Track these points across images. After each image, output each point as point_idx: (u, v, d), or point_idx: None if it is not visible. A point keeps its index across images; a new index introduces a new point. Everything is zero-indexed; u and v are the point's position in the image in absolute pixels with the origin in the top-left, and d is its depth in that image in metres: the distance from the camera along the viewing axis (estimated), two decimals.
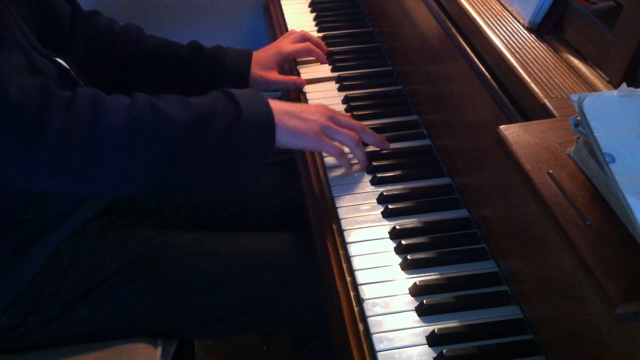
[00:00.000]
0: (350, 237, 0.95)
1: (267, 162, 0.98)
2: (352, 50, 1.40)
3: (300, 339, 1.16)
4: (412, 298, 0.86)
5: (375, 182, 1.04)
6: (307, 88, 1.29)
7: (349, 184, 1.05)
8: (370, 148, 1.10)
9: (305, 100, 1.26)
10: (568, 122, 0.67)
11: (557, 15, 0.90)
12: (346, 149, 1.06)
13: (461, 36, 0.99)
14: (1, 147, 0.84)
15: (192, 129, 0.91)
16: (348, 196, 1.02)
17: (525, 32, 0.92)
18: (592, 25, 0.84)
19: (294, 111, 1.00)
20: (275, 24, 1.56)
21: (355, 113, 1.20)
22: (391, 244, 0.94)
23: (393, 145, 1.11)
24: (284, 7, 1.58)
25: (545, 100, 0.78)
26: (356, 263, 0.91)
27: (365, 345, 0.82)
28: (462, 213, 0.99)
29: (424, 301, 0.84)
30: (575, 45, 0.87)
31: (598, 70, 0.82)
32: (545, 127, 0.73)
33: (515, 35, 0.91)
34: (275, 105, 0.99)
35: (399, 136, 1.14)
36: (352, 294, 0.88)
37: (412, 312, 0.84)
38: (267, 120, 0.96)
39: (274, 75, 1.26)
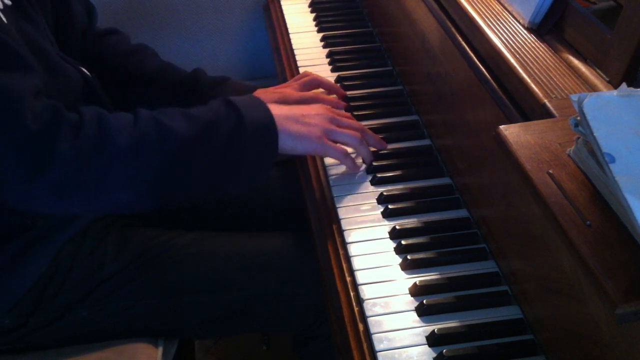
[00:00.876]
0: (350, 237, 0.95)
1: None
2: (352, 50, 1.40)
3: (300, 339, 1.16)
4: (412, 298, 0.86)
5: (375, 182, 1.04)
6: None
7: (349, 184, 1.05)
8: (371, 149, 1.10)
9: None
10: (568, 122, 0.67)
11: (557, 15, 0.90)
12: (349, 149, 1.06)
13: (461, 36, 0.99)
14: (14, 172, 0.85)
15: (196, 141, 0.91)
16: (348, 196, 1.02)
17: (525, 32, 0.92)
18: (592, 25, 0.84)
19: (295, 115, 1.00)
20: (275, 24, 1.56)
21: (355, 113, 1.20)
22: (391, 244, 0.94)
23: (393, 145, 1.11)
24: (284, 7, 1.58)
25: (545, 100, 0.78)
26: (356, 263, 0.91)
27: (365, 345, 0.82)
28: (462, 213, 0.99)
29: (424, 301, 0.84)
30: (575, 45, 0.87)
31: (598, 70, 0.82)
32: (545, 127, 0.73)
33: (515, 35, 0.91)
34: (276, 110, 0.99)
35: (399, 136, 1.14)
36: (352, 294, 0.88)
37: (412, 312, 0.84)
38: (269, 127, 0.96)
39: None
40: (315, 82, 1.23)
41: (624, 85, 0.68)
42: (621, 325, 0.59)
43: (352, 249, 0.93)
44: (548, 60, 0.86)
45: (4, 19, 0.89)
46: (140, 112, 0.93)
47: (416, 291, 0.87)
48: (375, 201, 1.01)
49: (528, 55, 0.87)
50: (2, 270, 0.99)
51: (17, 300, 1.01)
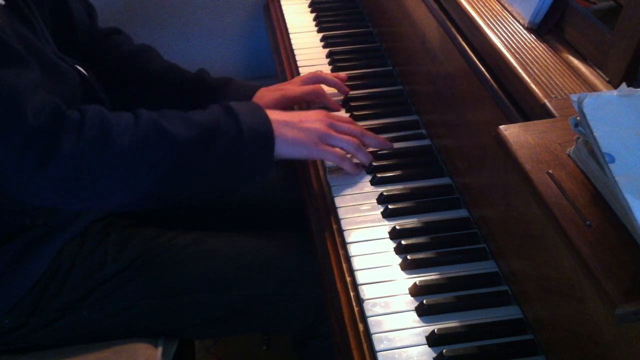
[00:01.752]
0: (350, 237, 0.95)
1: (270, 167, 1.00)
2: (352, 50, 1.40)
3: (300, 339, 1.16)
4: (412, 298, 0.86)
5: (375, 182, 1.04)
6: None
7: (349, 184, 1.05)
8: (371, 149, 1.10)
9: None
10: (568, 122, 0.67)
11: (557, 15, 0.90)
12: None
13: (461, 36, 0.99)
14: (14, 168, 0.86)
15: (194, 146, 0.93)
16: (348, 196, 1.02)
17: (525, 32, 0.92)
18: (592, 25, 0.84)
19: (293, 121, 1.01)
20: (275, 24, 1.56)
21: (355, 113, 1.20)
22: (391, 244, 0.94)
23: (393, 145, 1.11)
24: (284, 7, 1.58)
25: (545, 100, 0.78)
26: (356, 263, 0.91)
27: (365, 345, 0.82)
28: (462, 213, 0.99)
29: (424, 301, 0.84)
30: (575, 45, 0.87)
31: (598, 70, 0.82)
32: (545, 127, 0.73)
33: (515, 35, 0.91)
34: (274, 116, 1.00)
35: (399, 136, 1.14)
36: (352, 294, 0.88)
37: (412, 312, 0.84)
38: (267, 134, 0.98)
39: None
40: (319, 78, 1.24)
41: (624, 85, 0.68)
42: (621, 325, 0.59)
43: (352, 249, 0.93)
44: (548, 60, 0.86)
45: None
46: (141, 114, 0.94)
47: (416, 291, 0.87)
48: (375, 201, 1.01)
49: (528, 55, 0.87)
50: (3, 270, 0.99)
51: (17, 300, 1.01)
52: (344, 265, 0.92)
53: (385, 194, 1.01)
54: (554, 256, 0.71)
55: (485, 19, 0.95)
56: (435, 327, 0.82)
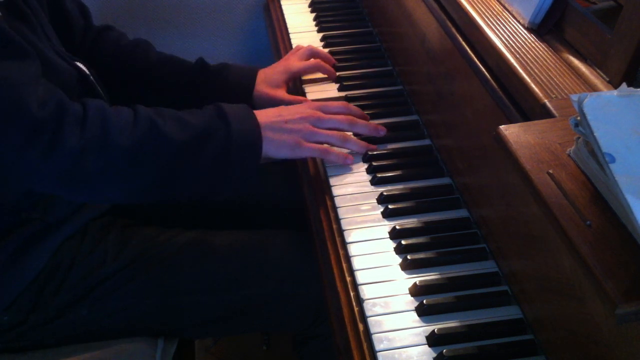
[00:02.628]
0: (350, 237, 0.95)
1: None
2: (352, 50, 1.40)
3: (300, 339, 1.16)
4: (412, 298, 0.86)
5: (375, 182, 1.04)
6: (308, 88, 1.29)
7: (349, 184, 1.05)
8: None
9: (305, 96, 1.26)
10: (568, 122, 0.67)
11: (557, 15, 0.90)
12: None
13: (461, 36, 0.99)
14: (20, 158, 0.88)
15: (187, 148, 0.97)
16: (348, 196, 1.02)
17: (525, 32, 0.92)
18: (592, 25, 0.84)
19: (278, 122, 1.04)
20: (275, 24, 1.56)
21: None
22: (391, 244, 0.94)
23: (393, 145, 1.11)
24: (284, 7, 1.58)
25: (545, 100, 0.78)
26: (356, 263, 0.91)
27: (365, 345, 0.82)
28: (462, 213, 0.99)
29: (424, 301, 0.84)
30: (575, 45, 0.87)
31: (598, 70, 0.82)
32: (545, 127, 0.73)
33: (515, 35, 0.91)
34: (262, 118, 1.03)
35: (399, 136, 1.14)
36: (352, 294, 0.88)
37: (412, 312, 0.84)
38: (255, 138, 1.01)
39: (281, 94, 1.23)
40: (312, 52, 1.30)
41: (624, 85, 0.68)
42: (621, 325, 0.59)
43: (352, 249, 0.93)
44: (548, 60, 0.86)
45: None
46: (139, 111, 0.97)
47: (416, 291, 0.87)
48: (375, 201, 1.01)
49: (528, 55, 0.87)
50: (2, 265, 0.99)
51: (16, 297, 1.02)
52: (344, 265, 0.92)
53: (385, 194, 1.01)
54: (554, 256, 0.71)
55: (485, 19, 0.95)
56: (435, 327, 0.82)
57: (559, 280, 0.70)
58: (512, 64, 0.85)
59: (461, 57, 0.97)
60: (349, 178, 1.06)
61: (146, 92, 1.25)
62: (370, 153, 1.09)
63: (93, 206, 1.10)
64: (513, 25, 0.94)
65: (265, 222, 1.22)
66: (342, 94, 1.26)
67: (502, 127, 0.72)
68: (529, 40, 0.90)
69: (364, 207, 1.00)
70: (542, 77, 0.82)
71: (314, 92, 1.28)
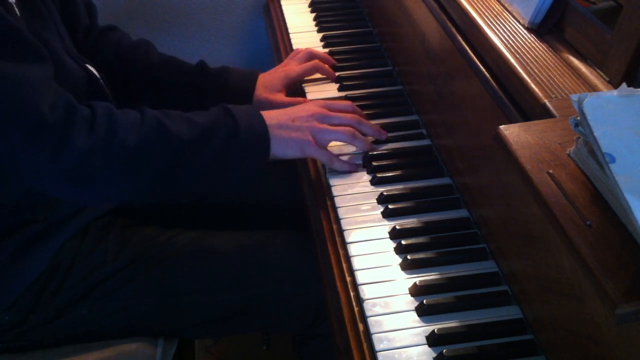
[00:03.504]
0: (350, 237, 0.95)
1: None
2: (352, 50, 1.40)
3: (300, 339, 1.16)
4: (412, 298, 0.86)
5: (375, 182, 1.04)
6: (308, 89, 1.29)
7: (349, 184, 1.05)
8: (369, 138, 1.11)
9: (304, 96, 1.26)
10: (568, 122, 0.67)
11: (557, 15, 0.90)
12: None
13: (461, 36, 0.99)
14: (29, 159, 0.89)
15: (194, 147, 0.97)
16: (348, 196, 1.02)
17: (525, 32, 0.92)
18: (592, 25, 0.84)
19: (286, 121, 1.04)
20: (275, 24, 1.56)
21: None
22: (391, 244, 0.94)
23: (393, 145, 1.12)
24: (284, 7, 1.58)
25: (545, 100, 0.78)
26: (356, 263, 0.91)
27: (365, 345, 0.82)
28: (462, 213, 0.99)
29: (424, 301, 0.84)
30: (575, 45, 0.87)
31: (598, 70, 0.82)
32: (545, 127, 0.73)
33: (515, 35, 0.91)
34: (269, 118, 1.03)
35: (399, 136, 1.14)
36: (352, 294, 0.88)
37: (412, 312, 0.84)
38: (262, 136, 1.01)
39: (280, 98, 1.24)
40: (311, 54, 1.31)
41: (624, 85, 0.68)
42: (621, 325, 0.59)
43: (352, 249, 0.93)
44: (548, 60, 0.86)
45: (17, 12, 0.91)
46: (146, 112, 0.98)
47: (416, 291, 0.87)
48: (375, 201, 1.01)
49: (528, 55, 0.87)
50: (3, 265, 1.00)
51: (17, 297, 1.02)
52: (344, 265, 0.92)
53: (385, 193, 1.01)
54: (554, 256, 0.71)
55: (485, 19, 0.95)
56: (435, 327, 0.82)
57: (559, 280, 0.70)
58: (512, 64, 0.85)
59: (461, 57, 0.97)
60: (349, 178, 1.06)
61: (146, 93, 1.25)
62: (370, 153, 1.09)
63: (95, 207, 1.10)
64: (513, 25, 0.94)
65: (265, 222, 1.22)
66: (342, 94, 1.26)
67: (502, 127, 0.72)
68: (529, 40, 0.90)
69: (364, 207, 1.00)
70: (542, 77, 0.82)
71: (313, 92, 1.28)
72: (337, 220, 0.99)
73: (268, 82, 1.24)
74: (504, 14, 0.97)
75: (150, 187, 0.98)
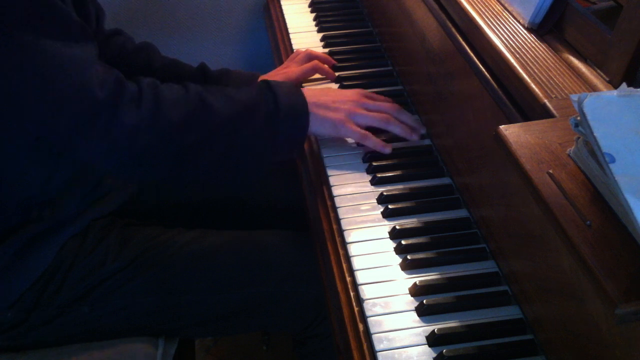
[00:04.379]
0: (350, 237, 0.95)
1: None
2: (352, 50, 1.40)
3: (300, 339, 1.16)
4: (412, 298, 0.86)
5: (375, 182, 1.04)
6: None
7: (349, 184, 1.05)
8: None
9: None
10: (568, 122, 0.67)
11: (557, 15, 0.90)
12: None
13: (461, 36, 0.99)
14: (79, 135, 0.92)
15: (235, 121, 1.00)
16: (348, 196, 1.02)
17: (525, 32, 0.92)
18: (592, 25, 0.84)
19: (326, 101, 1.08)
20: (275, 24, 1.56)
21: None
22: (391, 244, 0.94)
23: (393, 145, 1.11)
24: (284, 7, 1.58)
25: (545, 100, 0.78)
26: (356, 263, 0.91)
27: (365, 345, 0.82)
28: (462, 213, 0.99)
29: (424, 301, 0.84)
30: (575, 45, 0.87)
31: (598, 70, 0.82)
32: (545, 127, 0.73)
33: (515, 35, 0.91)
34: (310, 97, 1.07)
35: (399, 136, 1.14)
36: (352, 294, 0.88)
37: (412, 312, 0.84)
38: (302, 113, 1.05)
39: None
40: (310, 56, 1.32)
41: (624, 85, 0.68)
42: (621, 325, 0.59)
43: (352, 249, 0.93)
44: (548, 60, 0.86)
45: None
46: (190, 88, 1.01)
47: (416, 291, 0.87)
48: (375, 201, 1.01)
49: (528, 55, 0.87)
50: (7, 263, 1.00)
51: (19, 295, 1.02)
52: (344, 265, 0.92)
53: (385, 194, 1.01)
54: (554, 256, 0.71)
55: (485, 19, 0.95)
56: (435, 327, 0.82)
57: (559, 280, 0.70)
58: (512, 64, 0.85)
59: (461, 57, 0.97)
60: (349, 178, 1.06)
61: None
62: (370, 154, 1.09)
63: (99, 205, 1.10)
64: (513, 25, 0.94)
65: (265, 222, 1.22)
66: None
67: (502, 127, 0.72)
68: (529, 40, 0.90)
69: (364, 207, 1.00)
70: (542, 77, 0.82)
71: None
72: (337, 220, 0.99)
73: None
74: (504, 14, 0.97)
75: (194, 162, 1.00)
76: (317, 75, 1.31)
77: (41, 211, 1.02)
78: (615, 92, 0.66)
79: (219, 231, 1.14)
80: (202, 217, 1.21)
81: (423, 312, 0.84)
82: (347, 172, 1.07)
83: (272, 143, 1.04)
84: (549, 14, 0.91)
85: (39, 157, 1.01)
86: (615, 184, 0.58)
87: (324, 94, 1.09)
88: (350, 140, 1.12)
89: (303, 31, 1.49)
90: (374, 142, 1.08)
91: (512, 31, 0.92)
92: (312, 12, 1.56)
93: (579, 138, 0.67)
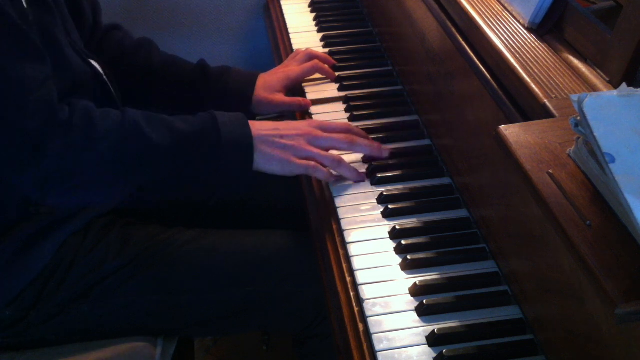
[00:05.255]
0: (350, 237, 0.95)
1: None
2: (352, 50, 1.40)
3: (300, 338, 1.16)
4: (412, 298, 0.86)
5: (375, 182, 1.04)
6: (308, 88, 1.29)
7: (349, 184, 1.05)
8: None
9: (304, 96, 1.26)
10: (568, 122, 0.67)
11: (557, 15, 0.90)
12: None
13: (461, 36, 0.99)
14: (6, 161, 0.90)
15: (173, 155, 0.97)
16: (348, 196, 1.02)
17: (525, 32, 0.92)
18: (592, 25, 0.84)
19: (273, 137, 1.03)
20: (275, 24, 1.56)
21: (355, 113, 1.20)
22: (391, 244, 0.94)
23: (393, 145, 1.11)
24: (284, 7, 1.58)
25: (545, 100, 0.78)
26: (356, 263, 0.91)
27: (365, 345, 0.82)
28: (462, 213, 0.99)
29: (424, 301, 0.84)
30: (575, 45, 0.87)
31: (598, 70, 0.82)
32: (545, 127, 0.73)
33: (515, 35, 0.91)
34: (257, 131, 1.02)
35: (399, 136, 1.14)
36: (352, 294, 0.88)
37: (412, 312, 0.84)
38: (246, 149, 1.01)
39: (279, 98, 1.23)
40: (310, 55, 1.31)
41: (624, 85, 0.68)
42: (621, 325, 0.59)
43: (352, 249, 0.93)
44: (548, 60, 0.86)
45: (24, 3, 0.92)
46: (127, 115, 0.97)
47: (416, 291, 0.87)
48: (375, 201, 1.01)
49: (528, 55, 0.87)
50: (6, 261, 1.00)
51: (19, 292, 1.02)
52: (344, 265, 0.92)
53: (385, 193, 1.01)
54: (554, 256, 0.71)
55: (485, 19, 0.95)
56: (435, 327, 0.82)
57: (559, 280, 0.70)
58: (512, 64, 0.85)
59: (461, 57, 0.97)
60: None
61: (148, 93, 1.26)
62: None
63: (100, 204, 1.10)
64: (513, 25, 0.94)
65: (265, 222, 1.22)
66: (342, 93, 1.26)
67: (502, 127, 0.72)
68: (529, 40, 0.90)
69: (364, 207, 1.00)
70: (542, 77, 0.82)
71: (313, 92, 1.28)
72: (337, 220, 0.99)
73: (268, 83, 1.25)
74: (504, 14, 0.97)
75: (129, 192, 0.98)
76: (317, 75, 1.31)
77: (38, 208, 1.02)
78: (615, 92, 0.66)
79: (219, 231, 1.14)
80: (202, 216, 1.21)
81: (423, 312, 0.84)
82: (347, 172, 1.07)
83: (213, 176, 1.00)
84: (549, 14, 0.91)
85: None
86: (615, 184, 0.58)
87: (273, 128, 1.04)
88: None
89: (303, 31, 1.49)
90: (324, 174, 1.04)
91: (512, 31, 0.92)
92: (312, 12, 1.56)
93: (579, 138, 0.67)
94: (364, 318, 0.85)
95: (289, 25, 1.51)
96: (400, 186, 1.04)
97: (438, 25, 1.05)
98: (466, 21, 0.98)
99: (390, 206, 0.99)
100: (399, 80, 1.30)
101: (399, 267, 0.90)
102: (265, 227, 1.17)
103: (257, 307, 1.11)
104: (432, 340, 0.80)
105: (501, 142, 0.71)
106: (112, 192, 0.98)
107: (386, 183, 1.04)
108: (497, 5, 0.98)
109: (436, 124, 1.12)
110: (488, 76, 0.90)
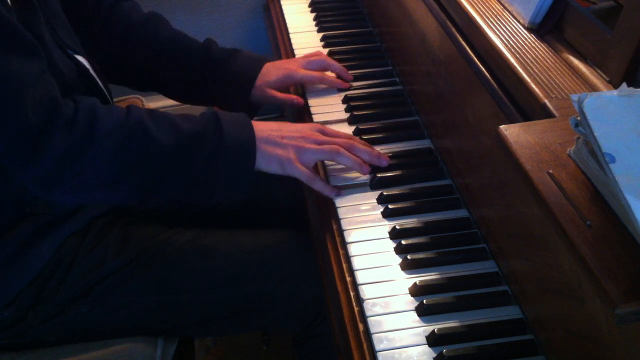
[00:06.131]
0: (350, 237, 0.95)
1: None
2: (352, 50, 1.40)
3: (300, 338, 1.16)
4: (412, 298, 0.86)
5: (375, 182, 1.04)
6: (307, 88, 1.29)
7: (349, 184, 1.05)
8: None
9: (304, 96, 1.26)
10: (568, 122, 0.67)
11: (557, 15, 0.90)
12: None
13: (461, 36, 0.99)
14: (8, 159, 0.90)
15: (177, 155, 0.97)
16: (348, 196, 1.02)
17: (525, 32, 0.92)
18: (592, 25, 0.84)
19: (275, 137, 1.03)
20: (275, 24, 1.56)
21: (355, 113, 1.20)
22: (391, 244, 0.94)
23: (393, 146, 1.11)
24: (284, 7, 1.58)
25: (545, 100, 0.78)
26: (356, 263, 0.91)
27: (365, 345, 0.82)
28: (462, 213, 0.99)
29: (424, 301, 0.84)
30: (575, 45, 0.87)
31: (598, 70, 0.82)
32: (545, 127, 0.73)
33: (515, 35, 0.91)
34: (259, 131, 1.02)
35: (399, 136, 1.14)
36: (352, 294, 0.88)
37: (412, 312, 0.84)
38: (249, 149, 1.00)
39: (272, 93, 1.23)
40: (324, 64, 1.27)
41: (624, 85, 0.68)
42: (621, 325, 0.59)
43: (352, 249, 0.93)
44: (548, 60, 0.86)
45: (8, 1, 0.91)
46: (131, 114, 0.97)
47: (416, 291, 0.87)
48: (375, 201, 1.01)
49: (528, 55, 0.87)
50: (5, 261, 1.00)
51: (18, 293, 1.02)
52: (344, 265, 0.92)
53: (385, 193, 1.01)
54: (554, 256, 0.71)
55: (486, 19, 0.95)
56: (435, 327, 0.82)
57: (559, 280, 0.70)
58: (512, 64, 0.85)
59: (461, 57, 0.97)
60: (349, 178, 1.06)
61: (153, 71, 1.25)
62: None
63: (98, 204, 1.10)
64: (513, 25, 0.94)
65: (265, 221, 1.22)
66: (342, 93, 1.26)
67: (502, 127, 0.72)
68: (529, 40, 0.90)
69: (364, 207, 1.00)
70: (542, 77, 0.82)
71: (313, 92, 1.28)
72: (337, 220, 0.99)
73: (270, 75, 1.24)
74: (504, 14, 0.97)
75: (132, 191, 0.97)
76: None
77: (33, 208, 1.02)
78: (615, 92, 0.66)
79: (219, 231, 1.14)
80: (202, 216, 1.21)
81: (423, 312, 0.84)
82: (347, 172, 1.07)
83: (214, 179, 0.99)
84: (549, 14, 0.91)
85: None
86: (615, 184, 0.58)
87: (276, 129, 1.04)
88: None
89: (303, 31, 1.49)
90: (321, 185, 1.03)
91: (512, 31, 0.92)
92: (312, 12, 1.56)
93: (579, 138, 0.67)
94: (364, 318, 0.85)
95: (289, 25, 1.51)
96: (400, 186, 1.04)
97: (438, 25, 1.05)
98: (466, 21, 0.98)
99: (390, 206, 0.99)
100: (399, 80, 1.30)
101: (399, 267, 0.90)
102: (265, 227, 1.17)
103: (257, 307, 1.11)
104: (432, 340, 0.80)
105: (501, 142, 0.71)
106: (114, 191, 0.98)
107: (386, 183, 1.04)
108: (497, 5, 0.99)
109: (436, 124, 1.12)
110: (488, 76, 0.90)
